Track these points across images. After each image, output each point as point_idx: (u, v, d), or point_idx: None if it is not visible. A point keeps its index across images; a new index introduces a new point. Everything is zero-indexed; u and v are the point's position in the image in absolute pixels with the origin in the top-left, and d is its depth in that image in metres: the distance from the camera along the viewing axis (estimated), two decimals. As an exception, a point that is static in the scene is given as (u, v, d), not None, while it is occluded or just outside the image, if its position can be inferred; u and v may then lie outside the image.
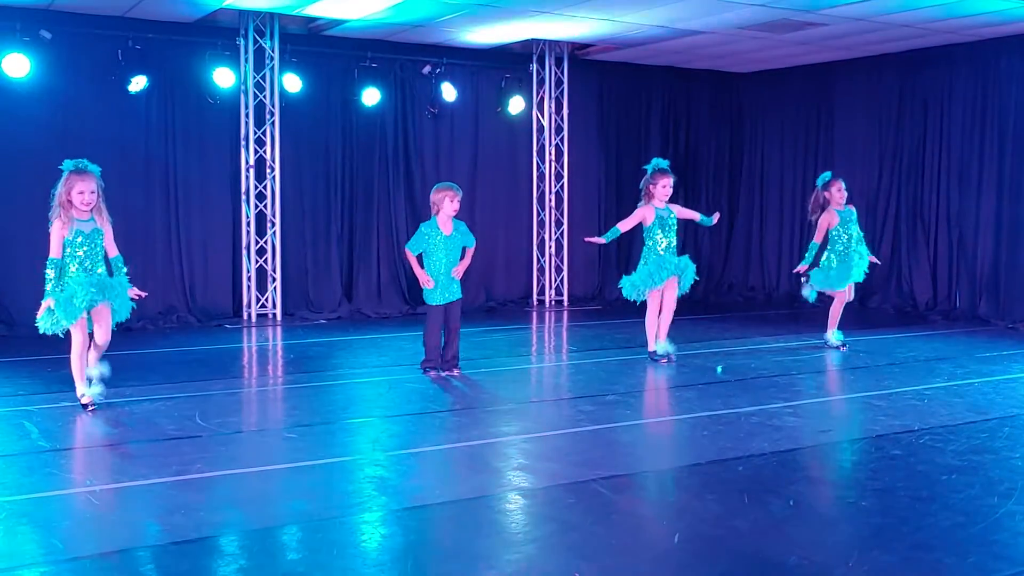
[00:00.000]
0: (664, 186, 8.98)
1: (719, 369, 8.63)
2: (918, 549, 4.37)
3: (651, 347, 9.20)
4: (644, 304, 9.21)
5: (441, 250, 8.33)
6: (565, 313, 13.61)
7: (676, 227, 9.10)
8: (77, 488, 5.25)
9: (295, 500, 5.10)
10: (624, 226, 9.14)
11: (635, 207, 9.17)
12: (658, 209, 8.98)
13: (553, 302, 14.15)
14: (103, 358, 7.11)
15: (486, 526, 4.81)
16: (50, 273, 6.78)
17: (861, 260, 9.85)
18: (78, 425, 6.70)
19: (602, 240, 9.29)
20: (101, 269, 6.94)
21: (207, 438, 6.34)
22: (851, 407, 7.51)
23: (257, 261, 12.15)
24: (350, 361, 9.56)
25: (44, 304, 6.79)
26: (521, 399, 7.91)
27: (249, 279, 12.13)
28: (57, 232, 6.79)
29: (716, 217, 9.44)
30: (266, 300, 12.23)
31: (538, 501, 5.17)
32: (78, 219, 6.83)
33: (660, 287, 9.02)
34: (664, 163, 9.15)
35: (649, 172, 9.07)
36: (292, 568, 4.17)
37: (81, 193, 6.78)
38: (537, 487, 5.38)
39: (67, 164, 6.90)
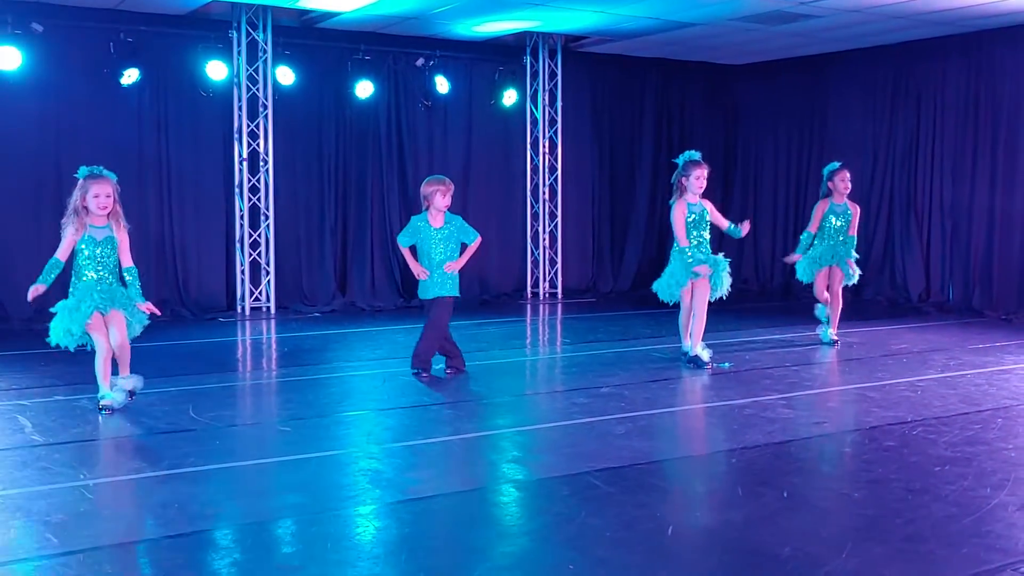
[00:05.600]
0: (698, 178, 8.41)
1: (726, 364, 8.62)
2: (911, 540, 4.39)
3: (684, 345, 8.77)
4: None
5: (431, 244, 8.15)
6: (559, 306, 13.61)
7: (708, 224, 8.59)
8: (71, 482, 5.24)
9: (289, 493, 5.10)
10: (682, 239, 8.46)
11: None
12: (691, 204, 8.49)
13: (547, 295, 14.15)
14: (134, 371, 6.97)
15: (481, 518, 4.81)
16: (47, 270, 6.64)
17: (846, 250, 9.61)
18: (72, 419, 6.68)
19: (709, 267, 8.47)
20: (113, 279, 6.76)
21: (201, 432, 6.34)
22: (845, 399, 7.52)
23: (251, 254, 12.13)
24: (344, 354, 9.55)
25: (32, 291, 6.62)
26: (515, 392, 7.92)
27: (243, 272, 12.11)
28: (69, 237, 6.67)
29: (746, 227, 8.61)
30: (260, 293, 12.21)
31: (532, 493, 5.18)
32: (92, 225, 6.69)
33: (687, 286, 8.56)
34: (696, 154, 8.56)
35: (680, 164, 8.54)
36: (287, 561, 4.17)
37: (96, 197, 6.65)
38: (531, 479, 5.39)
39: (83, 170, 6.76)
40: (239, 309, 12.10)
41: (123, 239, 6.82)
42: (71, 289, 6.74)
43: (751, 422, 6.59)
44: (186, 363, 8.84)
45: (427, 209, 8.19)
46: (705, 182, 8.48)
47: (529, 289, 14.20)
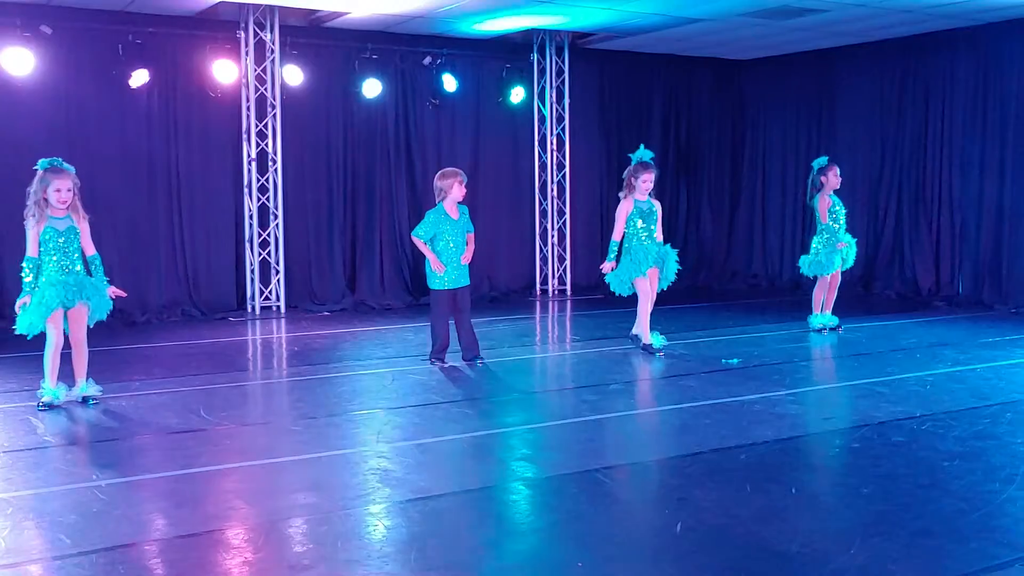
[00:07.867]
0: (645, 181, 8.86)
1: (735, 360, 8.63)
2: (919, 535, 4.39)
3: (646, 339, 9.06)
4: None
5: (451, 235, 8.39)
6: (568, 302, 13.62)
7: (656, 218, 8.98)
8: (83, 483, 5.28)
9: (300, 493, 5.13)
10: (618, 235, 8.95)
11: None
12: (638, 201, 8.90)
13: (556, 291, 14.17)
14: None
15: (490, 516, 4.83)
16: (27, 273, 6.80)
17: (850, 246, 10.16)
18: (84, 420, 6.73)
19: (612, 264, 8.93)
20: (79, 267, 6.93)
21: (212, 431, 6.37)
22: (853, 394, 7.52)
23: (260, 254, 12.17)
24: (354, 353, 9.58)
25: (19, 302, 6.83)
26: (524, 389, 7.93)
27: (252, 272, 12.15)
28: (33, 230, 6.81)
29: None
30: (270, 293, 12.25)
31: (542, 491, 5.20)
32: (53, 217, 6.83)
33: (646, 275, 8.89)
34: (648, 156, 8.98)
35: (633, 162, 8.96)
36: (297, 560, 4.20)
37: (58, 191, 6.79)
38: (541, 477, 5.40)
39: (42, 163, 6.91)
40: (249, 308, 12.14)
41: (84, 228, 6.99)
42: (38, 281, 6.80)
43: (760, 418, 6.60)
44: (196, 363, 8.88)
45: (442, 201, 8.39)
46: (652, 185, 8.97)
47: (538, 286, 14.21)
